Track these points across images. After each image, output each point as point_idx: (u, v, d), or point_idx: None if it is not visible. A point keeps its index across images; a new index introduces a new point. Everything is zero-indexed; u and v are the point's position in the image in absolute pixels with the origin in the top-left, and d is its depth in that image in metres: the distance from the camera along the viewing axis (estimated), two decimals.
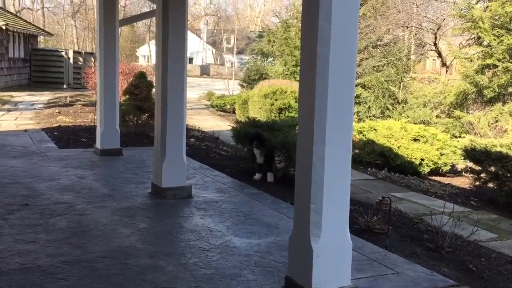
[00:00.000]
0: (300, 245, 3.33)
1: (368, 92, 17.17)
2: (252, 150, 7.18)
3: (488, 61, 12.50)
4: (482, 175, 7.43)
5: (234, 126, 7.92)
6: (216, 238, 4.49)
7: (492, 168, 7.01)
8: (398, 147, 9.37)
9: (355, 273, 3.68)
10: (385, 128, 9.96)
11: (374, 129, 10.21)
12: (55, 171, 6.80)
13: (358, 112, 16.57)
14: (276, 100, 13.72)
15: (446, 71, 17.55)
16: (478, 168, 7.54)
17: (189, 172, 6.82)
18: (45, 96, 19.30)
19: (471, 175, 7.75)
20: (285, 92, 14.09)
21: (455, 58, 15.52)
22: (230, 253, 4.13)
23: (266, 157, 7.27)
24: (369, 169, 9.45)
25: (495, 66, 12.55)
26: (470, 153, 7.32)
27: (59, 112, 13.54)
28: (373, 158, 9.83)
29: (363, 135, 10.13)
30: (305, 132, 3.30)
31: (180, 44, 5.68)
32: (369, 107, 16.89)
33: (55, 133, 10.17)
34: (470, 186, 8.61)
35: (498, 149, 7.00)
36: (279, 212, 5.44)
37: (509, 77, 12.10)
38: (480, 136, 11.64)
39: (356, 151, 9.98)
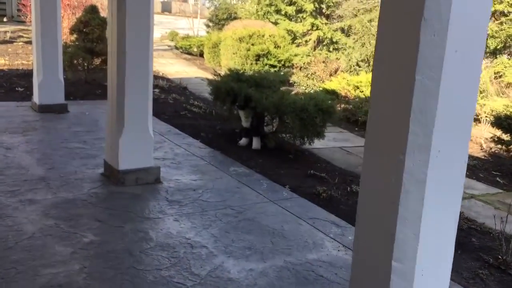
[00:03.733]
0: None
1: (351, 38, 15.52)
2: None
3: (498, 7, 11.06)
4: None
5: (213, 78, 6.28)
6: (200, 260, 3.02)
7: None
8: None
9: None
10: None
11: None
12: None
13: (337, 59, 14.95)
14: (252, 45, 11.96)
15: None
16: (507, 137, 6.25)
17: (156, 138, 5.22)
18: None
19: (499, 145, 6.48)
20: (263, 36, 12.33)
21: None
22: None
23: (253, 120, 5.87)
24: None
25: (504, 14, 11.11)
26: (504, 121, 5.99)
27: None
28: None
29: (360, 91, 8.67)
30: (385, 126, 1.78)
31: None
32: (350, 57, 15.28)
33: None
34: (485, 155, 7.40)
35: None
36: (280, 206, 4.02)
37: None
38: (480, 92, 10.40)
39: (351, 107, 8.55)
